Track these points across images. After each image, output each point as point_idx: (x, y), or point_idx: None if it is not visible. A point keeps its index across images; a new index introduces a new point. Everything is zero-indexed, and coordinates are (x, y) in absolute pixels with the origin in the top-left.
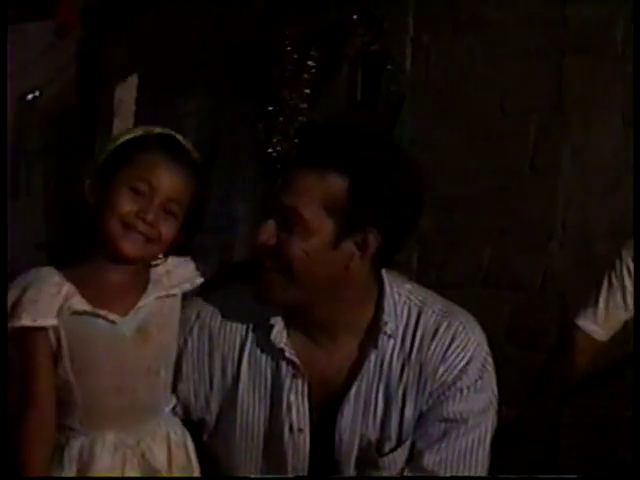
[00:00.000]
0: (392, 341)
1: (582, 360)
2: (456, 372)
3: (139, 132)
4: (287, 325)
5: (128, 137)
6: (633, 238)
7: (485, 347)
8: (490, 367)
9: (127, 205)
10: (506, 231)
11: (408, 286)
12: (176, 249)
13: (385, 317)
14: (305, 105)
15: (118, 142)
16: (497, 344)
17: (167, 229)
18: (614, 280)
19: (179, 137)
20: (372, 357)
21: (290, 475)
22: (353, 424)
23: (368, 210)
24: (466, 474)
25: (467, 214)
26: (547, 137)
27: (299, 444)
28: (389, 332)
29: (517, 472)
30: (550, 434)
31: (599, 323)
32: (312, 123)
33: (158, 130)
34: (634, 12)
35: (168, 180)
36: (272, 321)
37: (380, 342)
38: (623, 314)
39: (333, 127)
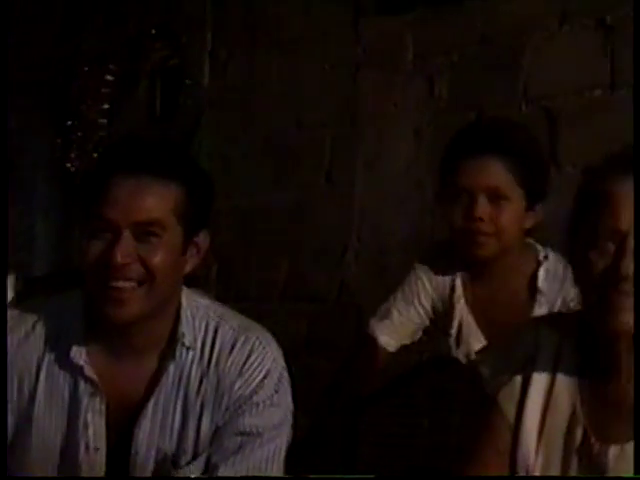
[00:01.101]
0: (191, 353)
1: (374, 370)
2: (253, 386)
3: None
4: (88, 341)
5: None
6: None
7: (281, 362)
8: (286, 382)
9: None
10: (303, 243)
11: (205, 301)
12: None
13: (183, 328)
14: (104, 120)
15: None
16: (296, 356)
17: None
18: (407, 293)
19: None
20: (171, 369)
21: None
22: (150, 438)
23: (203, 214)
24: None
25: (264, 227)
26: (342, 150)
27: (95, 462)
28: (187, 344)
29: None
30: (348, 443)
31: (391, 335)
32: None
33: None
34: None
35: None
36: (72, 338)
37: (178, 354)
38: (414, 326)
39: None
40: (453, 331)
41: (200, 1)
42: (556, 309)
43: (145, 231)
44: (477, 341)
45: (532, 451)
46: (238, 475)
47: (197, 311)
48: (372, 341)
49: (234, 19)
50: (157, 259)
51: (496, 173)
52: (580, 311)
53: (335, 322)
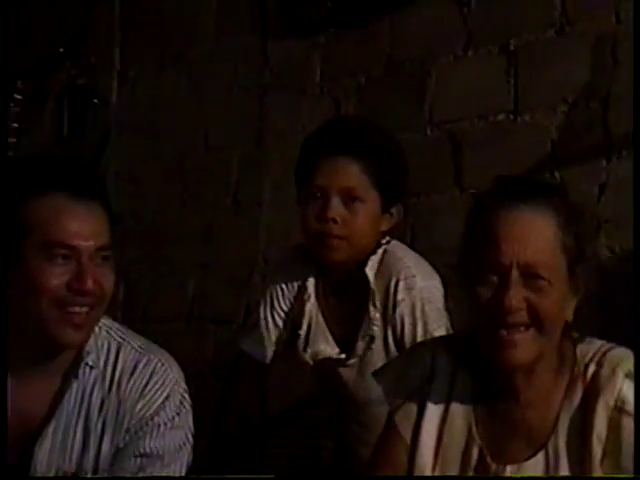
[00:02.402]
0: (94, 373)
1: (256, 385)
2: (154, 408)
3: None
4: None
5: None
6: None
7: (183, 384)
8: (187, 404)
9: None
10: (210, 265)
11: (107, 322)
12: None
13: (87, 347)
14: (14, 139)
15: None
16: (202, 377)
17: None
18: (267, 300)
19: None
20: (73, 388)
21: None
22: (50, 457)
23: None
24: None
25: (172, 248)
26: (249, 171)
27: None
28: (91, 363)
29: None
30: (251, 467)
31: (263, 345)
32: None
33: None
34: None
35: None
36: None
37: (81, 372)
38: (280, 331)
39: None
40: (302, 331)
41: (109, 21)
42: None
43: None
44: (325, 342)
45: (428, 471)
46: None
47: (100, 330)
48: (246, 356)
49: (143, 39)
50: None
51: (351, 174)
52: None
53: None
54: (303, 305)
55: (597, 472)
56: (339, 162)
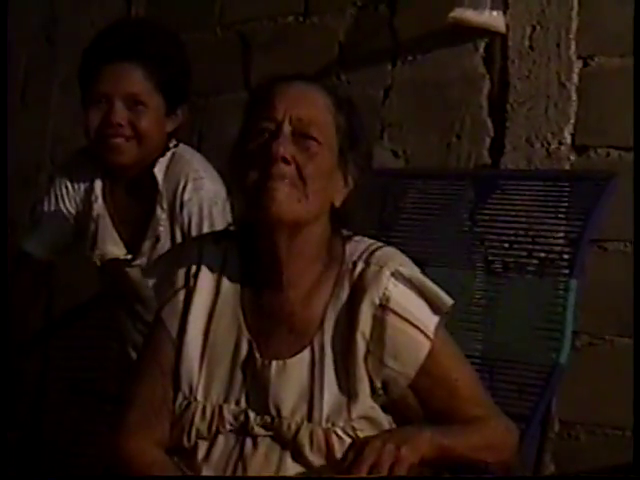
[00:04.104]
0: None
1: (37, 284)
2: None
3: None
4: None
5: None
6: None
7: None
8: None
9: None
10: None
11: None
12: None
13: None
14: None
15: None
16: None
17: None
18: (52, 200)
19: None
20: None
21: None
22: None
23: None
24: None
25: None
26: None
27: None
28: None
29: None
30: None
31: (44, 244)
32: None
33: None
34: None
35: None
36: None
37: None
38: (64, 231)
39: None
40: (90, 233)
41: None
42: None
43: None
44: (113, 243)
45: (196, 366)
46: None
47: None
48: (27, 256)
49: None
50: None
51: (134, 80)
52: (243, 225)
53: None
54: (90, 207)
55: (361, 369)
56: (122, 68)
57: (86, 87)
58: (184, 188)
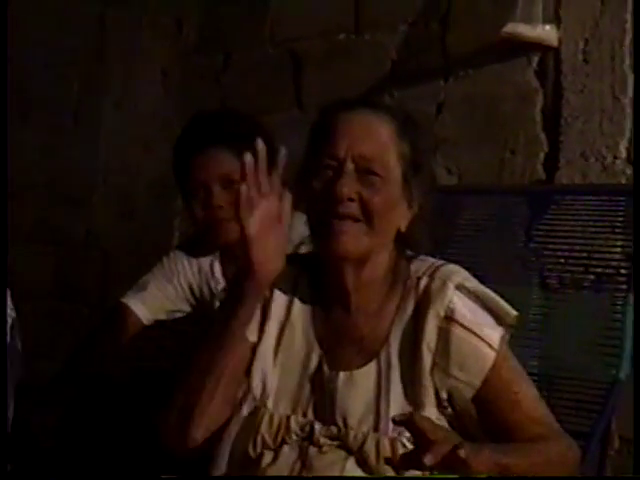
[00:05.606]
0: None
1: (124, 339)
2: None
3: None
4: None
5: None
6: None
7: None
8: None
9: None
10: (49, 185)
11: None
12: None
13: None
14: None
15: None
16: (42, 298)
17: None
18: (167, 271)
19: None
20: None
21: None
22: None
23: None
24: None
25: (11, 168)
26: (89, 89)
27: None
28: None
29: None
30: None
31: (147, 307)
32: None
33: None
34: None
35: None
36: None
37: None
38: (169, 305)
39: None
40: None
41: None
42: None
43: None
44: None
45: (269, 373)
46: None
47: None
48: (126, 309)
49: None
50: None
51: (225, 161)
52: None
53: (82, 265)
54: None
55: (427, 380)
56: (212, 153)
57: (181, 180)
58: None
